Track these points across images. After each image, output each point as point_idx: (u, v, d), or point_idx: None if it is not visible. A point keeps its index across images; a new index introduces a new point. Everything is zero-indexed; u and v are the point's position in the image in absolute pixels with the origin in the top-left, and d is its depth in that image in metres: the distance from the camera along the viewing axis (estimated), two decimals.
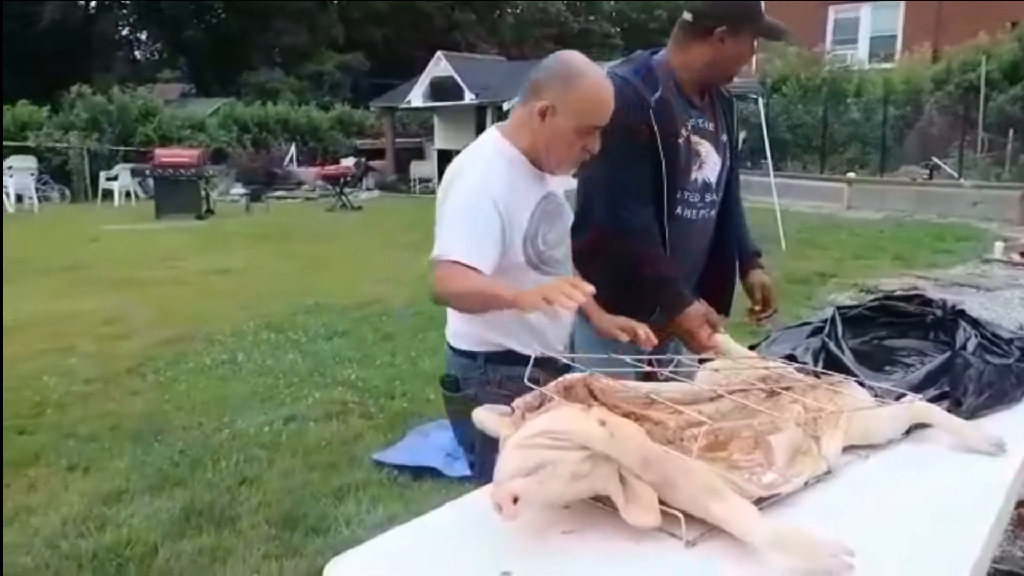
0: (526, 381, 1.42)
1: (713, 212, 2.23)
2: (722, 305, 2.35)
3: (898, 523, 1.30)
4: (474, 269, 1.67)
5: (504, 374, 1.79)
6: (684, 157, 2.11)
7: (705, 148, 2.16)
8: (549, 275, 1.81)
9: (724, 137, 2.23)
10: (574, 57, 1.81)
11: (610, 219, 2.13)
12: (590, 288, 1.54)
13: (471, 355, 1.88)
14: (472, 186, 1.76)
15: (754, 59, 20.36)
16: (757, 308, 2.33)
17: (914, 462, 1.55)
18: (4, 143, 18.01)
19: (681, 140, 2.10)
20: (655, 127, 2.04)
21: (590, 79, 1.76)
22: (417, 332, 5.82)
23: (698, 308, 2.09)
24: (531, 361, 1.51)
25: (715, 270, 2.33)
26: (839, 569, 1.10)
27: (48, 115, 20.14)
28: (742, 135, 2.54)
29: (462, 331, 1.91)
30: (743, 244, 2.38)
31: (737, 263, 2.36)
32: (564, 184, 1.99)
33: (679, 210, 2.13)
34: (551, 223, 1.85)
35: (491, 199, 1.73)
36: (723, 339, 2.00)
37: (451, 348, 1.93)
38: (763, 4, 2.18)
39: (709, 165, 2.17)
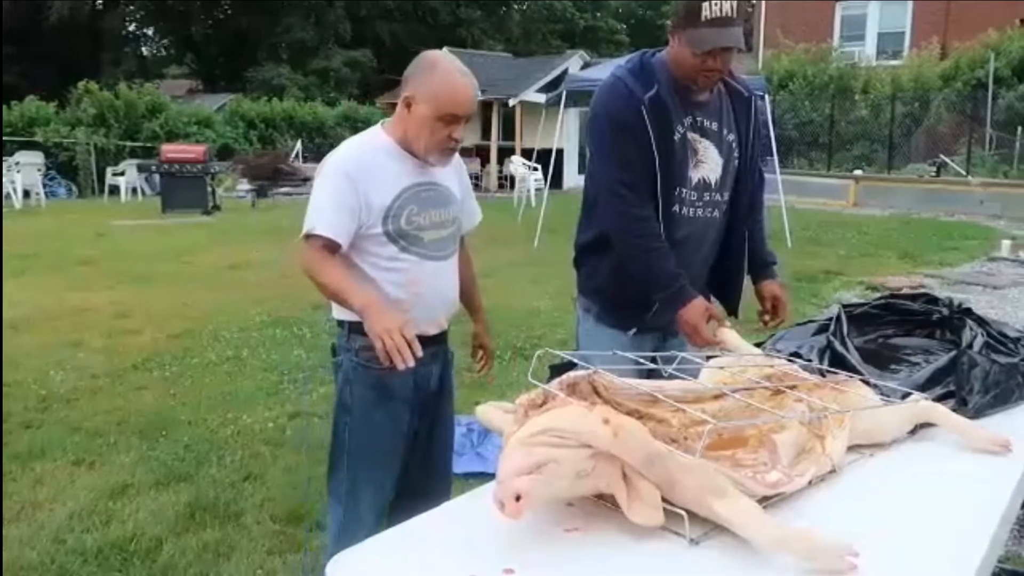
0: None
1: (716, 212, 2.19)
2: (729, 306, 2.34)
3: (903, 523, 1.29)
4: (334, 242, 1.91)
5: (362, 344, 1.92)
6: (680, 154, 2.09)
7: (704, 146, 2.13)
8: (410, 252, 1.99)
9: (731, 137, 2.18)
10: (435, 54, 2.04)
11: (612, 214, 2.13)
12: (417, 354, 1.76)
13: (340, 324, 2.07)
14: (333, 167, 1.98)
15: (759, 56, 20.34)
16: (767, 317, 2.32)
17: (919, 461, 1.54)
18: (13, 139, 18.10)
19: (676, 137, 2.08)
20: (648, 123, 2.03)
21: (444, 71, 1.94)
22: None
23: (700, 303, 2.08)
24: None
25: (723, 271, 2.31)
26: (843, 569, 1.10)
27: (56, 111, 20.20)
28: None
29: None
30: (757, 250, 2.33)
31: (746, 265, 2.33)
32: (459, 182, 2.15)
33: (676, 207, 2.11)
34: (423, 208, 2.01)
35: (348, 177, 1.93)
36: (730, 334, 1.99)
37: (334, 317, 2.10)
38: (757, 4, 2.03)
39: (708, 164, 2.14)
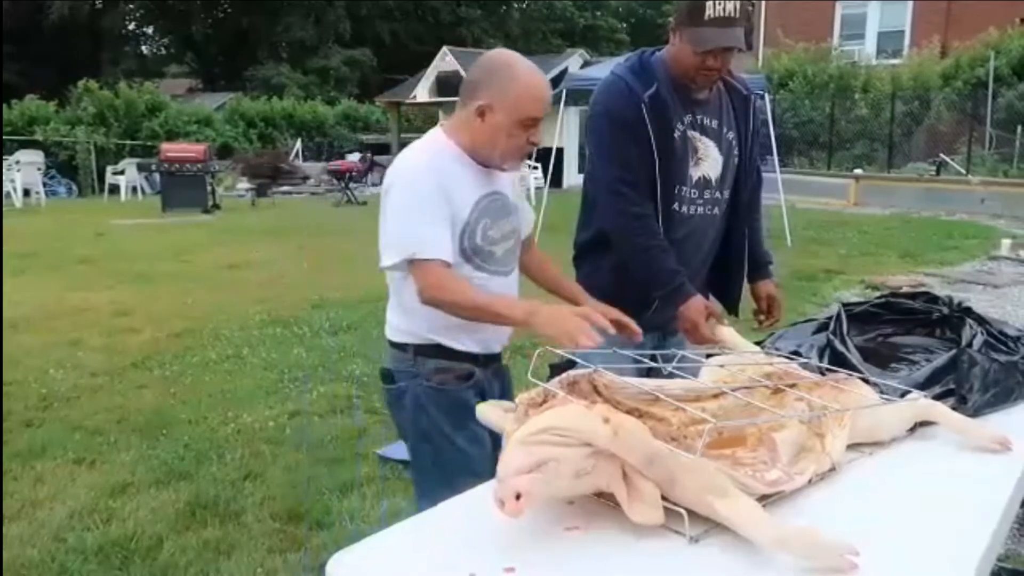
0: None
1: (717, 210, 2.20)
2: (729, 304, 2.35)
3: (902, 521, 1.29)
4: (445, 263, 1.75)
5: (433, 367, 1.84)
6: (680, 153, 2.09)
7: (704, 144, 2.14)
8: (483, 270, 1.87)
9: (731, 135, 2.19)
10: (505, 54, 1.88)
11: (611, 212, 2.13)
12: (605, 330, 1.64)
13: (403, 347, 1.92)
14: (422, 175, 1.80)
15: (760, 55, 20.33)
16: (761, 317, 2.33)
17: (919, 460, 1.54)
18: (12, 138, 18.10)
19: (676, 135, 2.08)
20: (648, 122, 2.03)
21: (523, 74, 1.80)
22: None
23: (700, 300, 2.08)
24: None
25: (723, 269, 2.32)
26: (843, 567, 1.10)
27: (55, 110, 20.24)
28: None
29: (395, 323, 1.94)
30: (754, 250, 2.35)
31: (746, 264, 2.34)
32: (513, 187, 2.02)
33: (676, 205, 2.12)
34: (494, 219, 1.88)
35: (441, 188, 1.78)
36: (728, 332, 1.99)
37: (388, 340, 1.97)
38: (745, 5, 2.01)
39: (708, 162, 2.15)
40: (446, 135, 1.88)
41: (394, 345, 1.94)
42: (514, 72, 1.80)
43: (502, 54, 1.89)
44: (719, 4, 1.94)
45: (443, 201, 1.77)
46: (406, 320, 1.90)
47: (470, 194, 1.84)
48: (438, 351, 1.86)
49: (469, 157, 1.85)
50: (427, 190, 1.78)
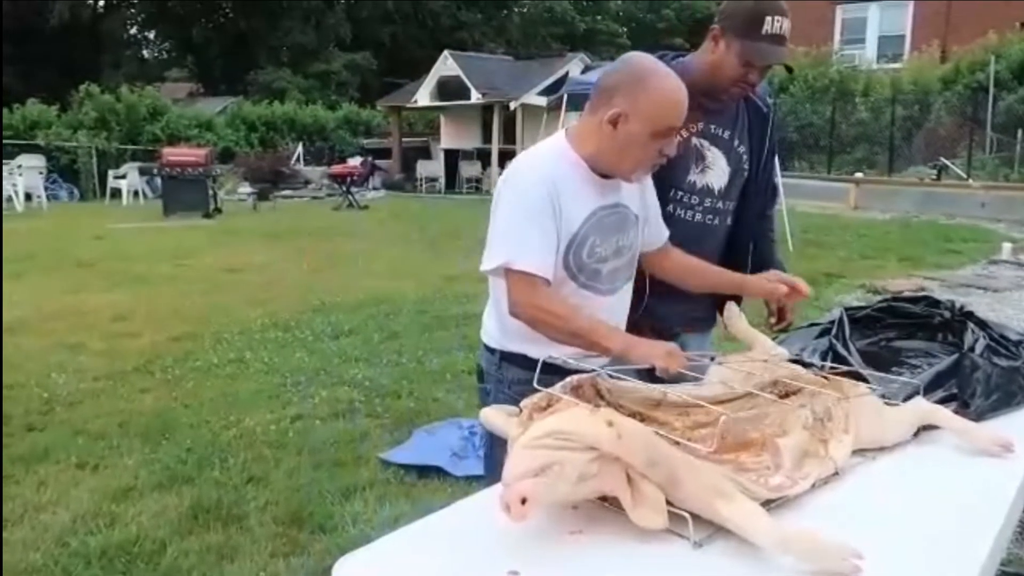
0: (535, 384, 1.43)
1: (718, 220, 2.20)
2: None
3: (905, 525, 1.29)
4: (543, 281, 1.69)
5: (515, 376, 1.79)
6: (683, 156, 2.08)
7: (712, 154, 2.14)
8: (588, 288, 1.80)
9: (742, 148, 2.19)
10: (643, 59, 1.75)
11: None
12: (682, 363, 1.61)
13: (491, 351, 1.90)
14: (534, 184, 1.72)
15: None
16: (772, 320, 2.32)
17: (921, 464, 1.55)
18: (14, 142, 18.13)
19: (677, 140, 2.09)
20: None
21: (662, 80, 1.69)
22: (424, 331, 5.84)
23: None
24: (539, 366, 1.53)
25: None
26: (846, 571, 1.10)
27: (57, 114, 20.27)
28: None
29: (488, 326, 1.92)
30: (767, 257, 2.34)
31: (748, 273, 2.34)
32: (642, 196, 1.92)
33: (671, 208, 2.12)
34: (605, 237, 1.79)
35: (551, 199, 1.70)
36: (736, 314, 1.99)
37: (481, 341, 1.95)
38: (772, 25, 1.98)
39: (715, 172, 2.15)
40: (569, 143, 1.78)
41: (485, 346, 1.92)
42: (652, 80, 1.68)
43: (639, 59, 1.75)
44: (777, 20, 1.95)
45: (551, 213, 1.69)
46: (499, 326, 1.86)
47: (584, 207, 1.75)
48: (524, 361, 1.77)
49: (589, 168, 1.75)
50: (537, 199, 1.70)
